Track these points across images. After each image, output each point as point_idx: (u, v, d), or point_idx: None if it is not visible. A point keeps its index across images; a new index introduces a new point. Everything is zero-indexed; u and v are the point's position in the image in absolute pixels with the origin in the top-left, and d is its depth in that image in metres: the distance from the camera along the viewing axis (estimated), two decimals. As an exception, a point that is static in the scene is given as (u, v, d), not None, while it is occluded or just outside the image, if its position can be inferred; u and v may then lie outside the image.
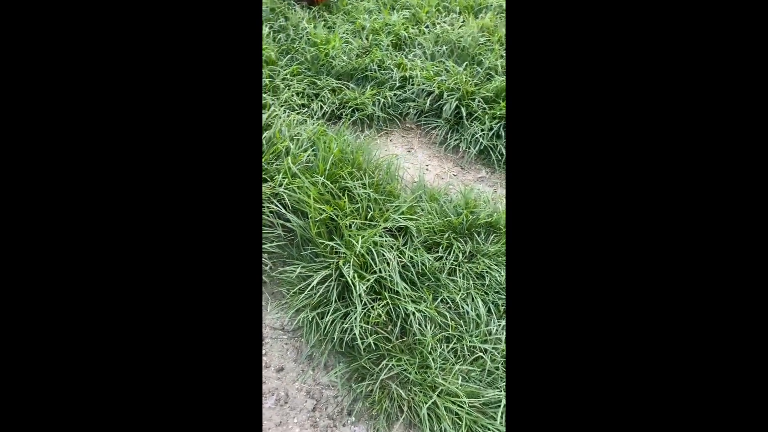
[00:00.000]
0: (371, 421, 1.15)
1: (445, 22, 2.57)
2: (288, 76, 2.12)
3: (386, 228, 1.44)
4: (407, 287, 1.31)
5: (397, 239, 1.43)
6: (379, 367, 1.19)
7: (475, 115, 2.00)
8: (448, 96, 2.05)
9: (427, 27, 2.56)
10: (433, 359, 1.19)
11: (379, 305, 1.26)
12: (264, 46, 2.18)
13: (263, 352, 1.29)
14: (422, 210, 1.54)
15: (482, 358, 1.21)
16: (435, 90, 2.08)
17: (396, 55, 2.30)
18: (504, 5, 2.73)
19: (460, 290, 1.33)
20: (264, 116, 1.75)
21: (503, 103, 2.00)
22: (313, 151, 1.63)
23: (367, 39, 2.40)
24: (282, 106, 1.93)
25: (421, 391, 1.15)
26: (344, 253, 1.34)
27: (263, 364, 1.27)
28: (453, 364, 1.19)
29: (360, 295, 1.24)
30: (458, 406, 1.11)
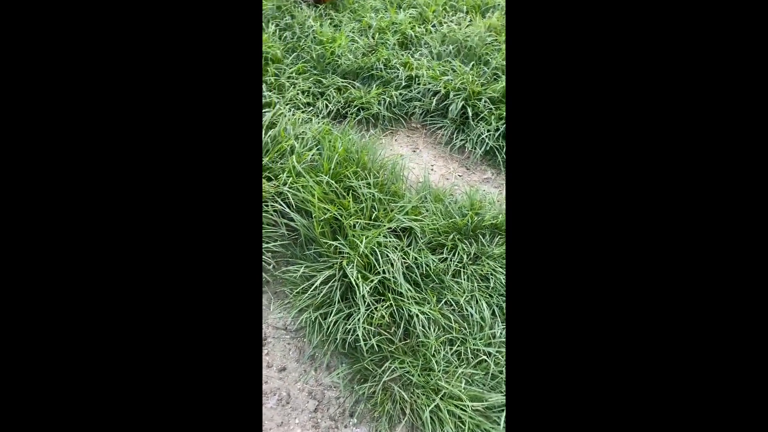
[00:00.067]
0: (373, 423, 1.15)
1: (452, 21, 2.56)
2: (293, 74, 2.11)
3: (390, 228, 1.43)
4: (411, 288, 1.30)
5: (402, 240, 1.42)
6: (382, 368, 1.18)
7: (482, 115, 1.99)
8: (454, 96, 2.03)
9: (433, 26, 2.54)
10: (436, 362, 1.18)
11: (382, 306, 1.25)
12: (270, 44, 2.18)
13: (266, 351, 1.28)
14: (427, 211, 1.53)
15: (486, 361, 1.20)
16: (441, 90, 2.06)
17: (402, 54, 2.29)
18: (512, 5, 2.71)
19: (464, 292, 1.32)
20: (269, 114, 1.74)
21: (510, 104, 1.98)
22: (317, 150, 1.62)
23: (373, 38, 2.39)
24: (287, 104, 1.93)
25: (423, 394, 1.14)
26: (348, 253, 1.33)
27: (266, 364, 1.26)
28: (456, 367, 1.18)
29: (363, 296, 1.23)
30: (461, 409, 1.10)
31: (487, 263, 1.39)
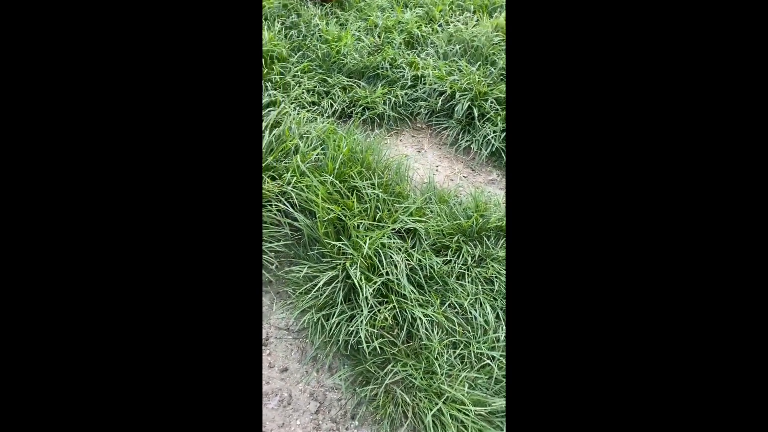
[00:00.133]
0: (375, 425, 1.14)
1: (458, 20, 2.54)
2: (299, 72, 2.10)
3: (394, 229, 1.42)
4: (414, 291, 1.28)
5: (406, 241, 1.41)
6: (384, 371, 1.17)
7: (488, 116, 1.97)
8: (460, 96, 2.02)
9: (440, 25, 2.52)
10: (439, 365, 1.17)
11: (385, 308, 1.24)
12: (275, 43, 2.17)
13: (268, 352, 1.28)
14: (431, 212, 1.52)
15: (489, 365, 1.19)
16: (447, 90, 2.05)
17: (408, 54, 2.27)
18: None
19: (468, 295, 1.31)
20: (274, 113, 1.74)
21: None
22: (322, 149, 1.62)
23: (379, 37, 2.38)
24: (292, 103, 1.92)
25: (426, 397, 1.13)
26: (351, 254, 1.32)
27: (267, 364, 1.26)
28: (459, 371, 1.17)
29: (366, 297, 1.22)
30: (464, 414, 1.09)
31: (492, 266, 1.37)
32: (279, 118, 1.74)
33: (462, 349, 1.22)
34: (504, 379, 1.17)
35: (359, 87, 2.11)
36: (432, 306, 1.26)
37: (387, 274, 1.29)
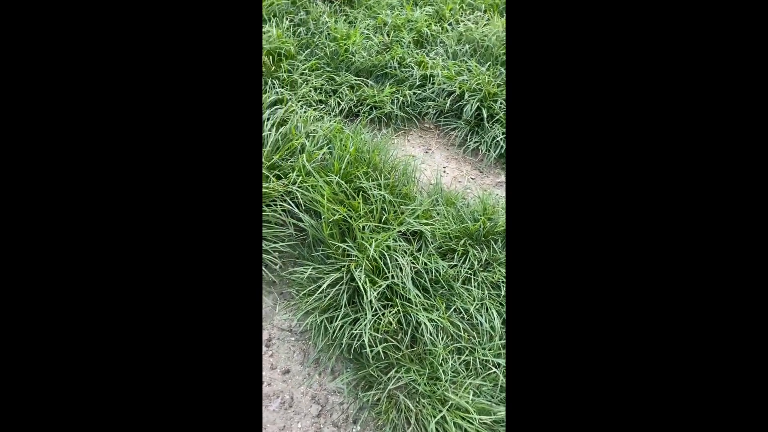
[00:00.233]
0: (377, 431, 1.12)
1: (469, 20, 2.50)
2: (306, 70, 2.08)
3: (400, 232, 1.40)
4: (419, 295, 1.26)
5: (411, 244, 1.39)
6: (388, 376, 1.16)
7: (497, 117, 1.94)
8: (469, 96, 1.99)
9: (450, 24, 2.49)
10: (443, 371, 1.15)
11: (390, 312, 1.22)
12: (283, 40, 2.15)
13: (270, 353, 1.26)
14: (438, 214, 1.50)
15: (495, 372, 1.16)
16: (456, 90, 2.02)
17: (417, 53, 2.24)
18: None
19: (474, 300, 1.28)
20: (281, 111, 1.72)
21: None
22: (328, 149, 1.60)
23: (388, 35, 2.35)
24: (299, 101, 1.90)
25: (429, 404, 1.11)
26: (356, 256, 1.30)
27: (270, 366, 1.24)
28: (464, 378, 1.15)
29: (371, 301, 1.20)
30: (468, 422, 1.06)
31: (499, 270, 1.35)
32: (286, 116, 1.72)
33: (467, 355, 1.20)
34: (509, 387, 1.14)
35: (367, 86, 2.09)
36: (437, 311, 1.24)
37: (392, 277, 1.27)
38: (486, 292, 1.31)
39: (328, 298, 1.26)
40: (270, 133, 1.57)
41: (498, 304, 1.29)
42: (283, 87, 1.96)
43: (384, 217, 1.42)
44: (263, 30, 2.17)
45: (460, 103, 2.02)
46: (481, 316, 1.26)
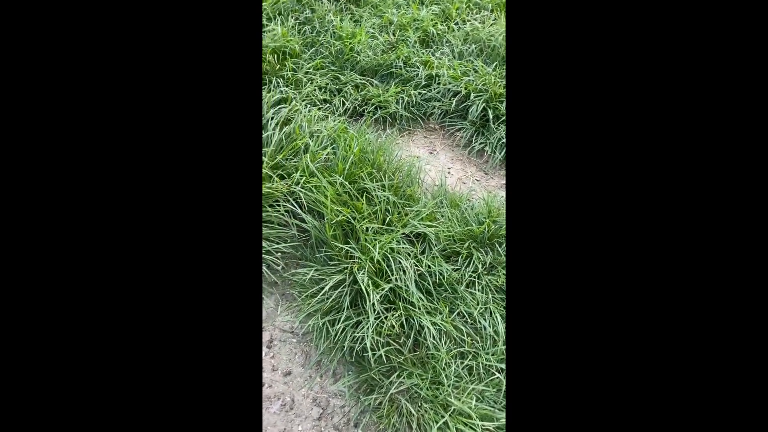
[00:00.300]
0: (378, 435, 1.11)
1: (475, 19, 2.48)
2: (311, 69, 2.07)
3: (404, 234, 1.39)
4: (423, 298, 1.25)
5: (415, 246, 1.37)
6: (390, 380, 1.15)
7: (503, 118, 1.92)
8: (475, 97, 1.97)
9: (456, 24, 2.47)
10: (446, 376, 1.13)
11: (392, 315, 1.21)
12: (288, 39, 2.14)
13: (271, 354, 1.26)
14: (442, 216, 1.48)
15: (498, 378, 1.15)
16: (462, 90, 2.00)
17: (423, 53, 2.23)
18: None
19: (478, 304, 1.27)
20: (285, 110, 1.71)
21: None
22: (332, 149, 1.58)
23: (393, 34, 2.33)
24: (303, 100, 1.89)
25: (432, 409, 1.09)
26: (359, 258, 1.29)
27: (271, 367, 1.23)
28: (467, 383, 1.14)
29: (373, 303, 1.19)
30: (470, 428, 1.05)
31: (503, 274, 1.33)
32: (290, 116, 1.71)
33: (470, 359, 1.18)
34: (513, 393, 1.13)
35: (372, 85, 2.08)
36: (440, 314, 1.23)
37: (395, 280, 1.25)
38: (490, 295, 1.30)
39: (330, 301, 1.25)
40: (274, 133, 1.56)
41: (502, 308, 1.28)
42: (287, 86, 1.95)
43: (388, 218, 1.41)
44: (268, 28, 2.16)
45: (465, 104, 2.00)
46: (485, 320, 1.24)
